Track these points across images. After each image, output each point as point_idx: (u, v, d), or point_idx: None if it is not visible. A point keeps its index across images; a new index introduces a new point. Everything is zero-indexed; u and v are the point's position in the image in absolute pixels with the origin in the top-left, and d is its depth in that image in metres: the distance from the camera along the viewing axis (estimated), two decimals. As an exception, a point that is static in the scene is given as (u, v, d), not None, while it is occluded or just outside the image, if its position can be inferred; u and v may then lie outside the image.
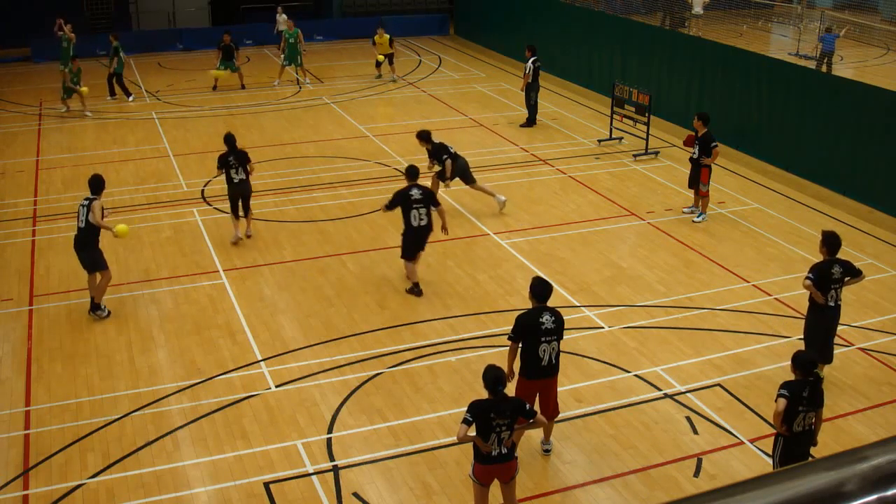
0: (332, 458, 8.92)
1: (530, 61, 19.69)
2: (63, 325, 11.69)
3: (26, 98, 23.53)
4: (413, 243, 12.06)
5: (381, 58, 24.45)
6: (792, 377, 7.94)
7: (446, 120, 20.88)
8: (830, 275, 9.71)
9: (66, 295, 12.49)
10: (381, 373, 10.47)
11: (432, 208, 11.95)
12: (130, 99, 23.01)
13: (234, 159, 13.47)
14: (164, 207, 15.68)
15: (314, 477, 8.65)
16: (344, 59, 28.64)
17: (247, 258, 13.57)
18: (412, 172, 12.07)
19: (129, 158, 18.34)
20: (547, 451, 8.93)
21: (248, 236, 14.11)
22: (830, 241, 9.85)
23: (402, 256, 12.22)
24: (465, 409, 7.37)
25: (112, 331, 11.48)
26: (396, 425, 9.46)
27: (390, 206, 11.90)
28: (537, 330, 8.36)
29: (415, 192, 11.79)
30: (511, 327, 8.58)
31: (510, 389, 7.81)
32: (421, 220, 11.81)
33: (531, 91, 19.91)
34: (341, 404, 9.82)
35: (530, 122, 20.30)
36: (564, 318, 8.71)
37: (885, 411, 9.73)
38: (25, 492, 8.50)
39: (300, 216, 15.23)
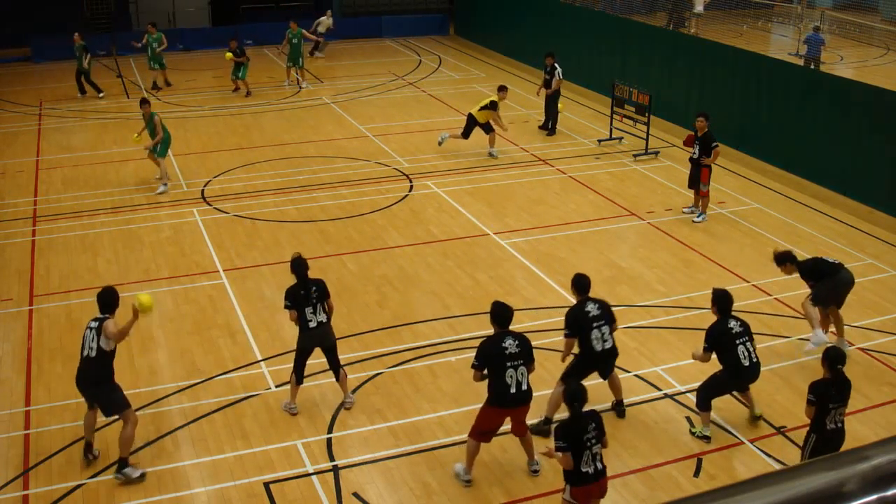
0: (332, 458, 8.93)
1: (558, 69, 19.48)
2: (63, 325, 11.69)
3: (26, 98, 23.54)
4: (587, 371, 9.21)
5: (501, 127, 18.12)
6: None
7: (446, 120, 20.86)
8: (729, 331, 8.92)
9: (65, 295, 12.49)
10: (381, 373, 10.47)
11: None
12: (101, 95, 23.39)
13: (311, 293, 9.40)
14: (164, 207, 15.68)
15: (314, 477, 8.66)
16: (344, 59, 28.65)
17: (247, 258, 13.56)
18: (580, 285, 9.27)
19: (129, 158, 18.33)
20: (535, 470, 8.73)
21: (348, 406, 9.76)
22: (719, 299, 9.10)
23: (562, 377, 9.25)
24: (557, 438, 7.35)
25: (112, 331, 11.48)
26: (396, 425, 9.46)
27: (571, 334, 9.06)
28: (501, 355, 8.18)
29: (591, 308, 9.10)
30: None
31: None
32: (605, 341, 9.04)
33: (552, 99, 19.67)
34: (341, 404, 9.82)
35: (547, 125, 20.04)
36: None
37: (885, 411, 9.73)
38: (25, 492, 8.50)
39: (300, 216, 15.23)
